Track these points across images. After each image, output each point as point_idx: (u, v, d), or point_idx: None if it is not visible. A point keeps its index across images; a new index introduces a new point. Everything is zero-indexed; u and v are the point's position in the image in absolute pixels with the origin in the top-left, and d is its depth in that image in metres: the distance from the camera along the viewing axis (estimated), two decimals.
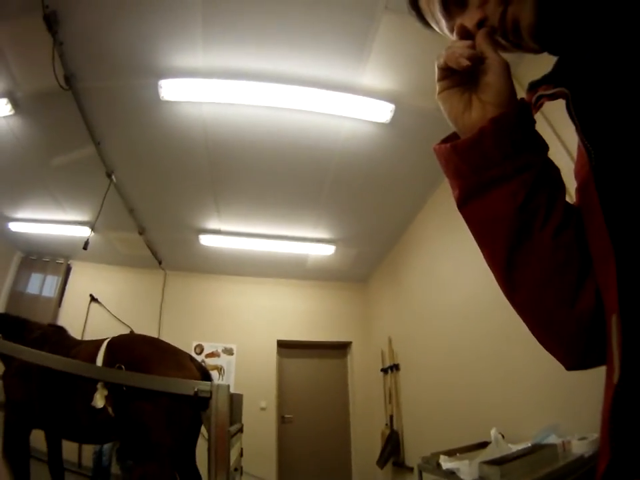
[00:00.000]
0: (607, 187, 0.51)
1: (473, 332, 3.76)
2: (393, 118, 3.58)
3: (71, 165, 4.38)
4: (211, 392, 2.84)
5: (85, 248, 4.62)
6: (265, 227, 5.49)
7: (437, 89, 0.62)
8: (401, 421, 5.46)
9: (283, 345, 6.80)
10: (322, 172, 4.42)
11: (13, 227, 5.90)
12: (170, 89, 3.38)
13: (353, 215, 5.22)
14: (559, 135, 2.54)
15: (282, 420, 6.65)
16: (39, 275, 6.76)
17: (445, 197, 4.26)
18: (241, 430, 3.71)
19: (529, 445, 2.52)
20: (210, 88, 3.37)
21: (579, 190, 0.62)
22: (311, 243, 5.81)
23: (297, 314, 6.86)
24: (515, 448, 2.57)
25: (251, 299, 6.82)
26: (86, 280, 6.67)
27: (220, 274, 6.82)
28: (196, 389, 2.86)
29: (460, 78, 0.59)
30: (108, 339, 3.37)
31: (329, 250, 5.96)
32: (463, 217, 0.63)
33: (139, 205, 5.03)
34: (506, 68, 0.56)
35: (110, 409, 3.03)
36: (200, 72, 3.26)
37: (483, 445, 2.86)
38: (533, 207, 0.56)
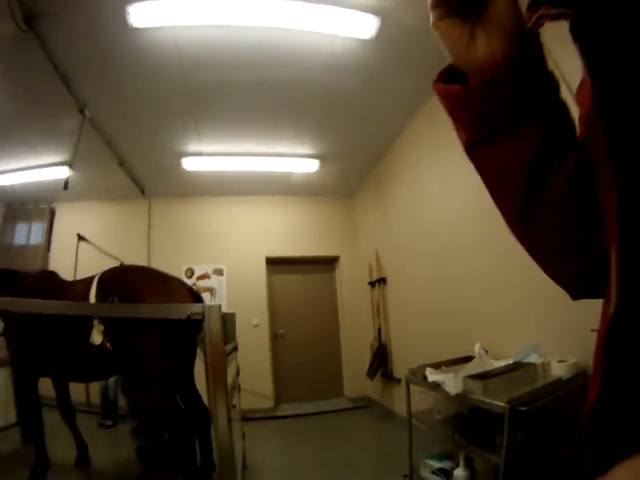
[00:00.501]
0: (609, 117, 0.48)
1: (460, 247, 3.79)
2: (378, 33, 3.38)
3: (41, 108, 4.22)
4: (203, 313, 2.89)
5: (65, 188, 4.53)
6: (247, 145, 5.34)
7: (432, 16, 0.53)
8: (388, 333, 5.61)
9: (272, 262, 6.85)
10: (305, 88, 4.25)
11: None
12: (138, 14, 3.12)
13: (337, 130, 5.07)
14: (557, 63, 2.45)
15: (275, 336, 6.84)
16: (23, 224, 6.71)
17: (431, 114, 4.16)
18: (235, 349, 3.82)
19: (511, 362, 2.61)
20: (181, 9, 3.10)
21: (583, 119, 0.58)
22: (294, 158, 5.69)
23: (283, 230, 6.86)
24: (497, 364, 2.67)
25: (237, 219, 6.80)
26: (71, 220, 6.61)
27: (204, 196, 6.74)
28: (189, 312, 2.89)
29: (459, 3, 0.51)
30: (98, 275, 3.37)
31: (313, 165, 5.83)
32: (472, 162, 0.60)
33: (116, 136, 4.87)
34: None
35: (108, 344, 3.08)
36: None
37: (468, 359, 2.94)
38: (548, 153, 0.53)
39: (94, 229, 6.44)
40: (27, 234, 6.67)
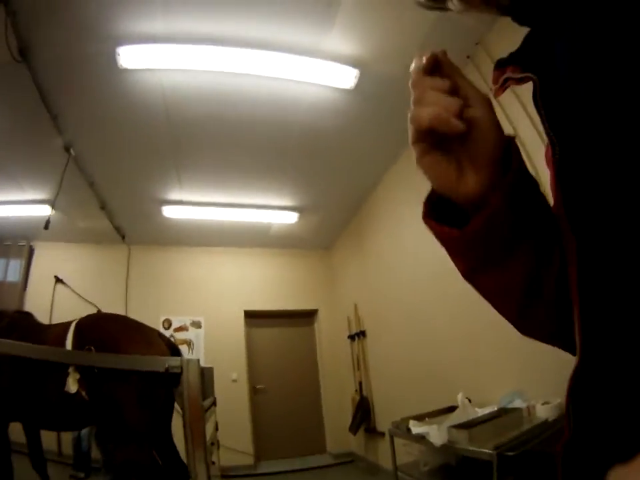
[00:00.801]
0: (568, 183, 0.49)
1: (439, 296, 3.80)
2: (358, 84, 3.54)
3: (28, 143, 4.23)
4: (181, 367, 2.84)
5: (46, 227, 4.49)
6: (228, 196, 5.40)
7: (415, 153, 0.52)
8: (370, 386, 5.56)
9: (250, 315, 6.80)
10: (285, 139, 4.36)
11: None
12: (128, 56, 3.24)
13: (317, 182, 5.16)
14: (530, 114, 2.54)
15: (254, 390, 6.71)
16: (1, 260, 6.59)
17: (408, 164, 4.25)
18: (214, 403, 3.73)
19: (495, 408, 2.62)
20: (169, 54, 3.25)
21: (551, 183, 0.57)
22: (274, 210, 5.75)
23: (262, 283, 6.83)
24: (481, 412, 2.67)
25: (216, 270, 6.77)
26: (50, 260, 6.50)
27: (184, 245, 6.73)
28: (167, 365, 2.85)
29: (442, 138, 0.49)
30: (75, 321, 3.31)
31: (292, 217, 5.89)
32: (470, 284, 0.61)
33: (99, 178, 4.89)
34: (493, 114, 0.50)
35: (84, 393, 3.00)
36: (159, 37, 3.13)
37: (451, 409, 2.94)
38: (542, 264, 0.55)
39: (72, 271, 6.32)
40: (4, 270, 6.51)
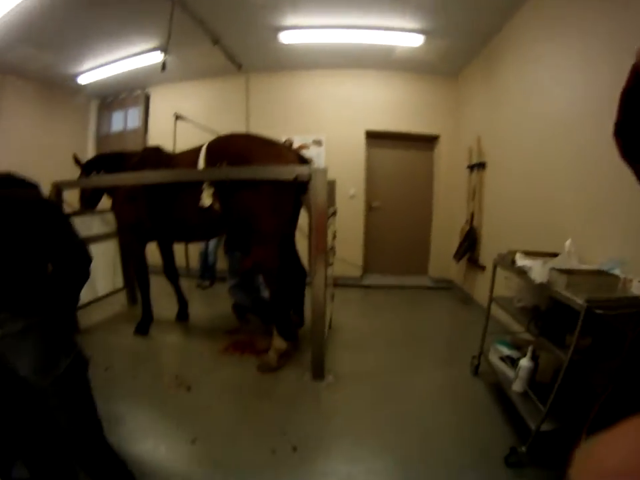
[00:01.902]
0: None
1: (564, 143, 3.60)
2: None
3: None
4: (310, 175, 3.08)
5: (163, 69, 4.69)
6: (347, 17, 5.01)
7: None
8: (480, 219, 5.57)
9: (372, 136, 6.77)
10: None
11: (83, 79, 6.23)
12: None
13: (445, 3, 4.59)
14: None
15: (369, 208, 7.01)
16: (119, 112, 7.11)
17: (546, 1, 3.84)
18: (334, 213, 4.01)
19: (596, 268, 2.58)
20: None
21: None
22: (398, 32, 5.29)
23: (385, 105, 6.65)
24: (582, 267, 2.66)
25: (337, 91, 6.64)
26: (167, 102, 6.81)
27: (302, 69, 6.57)
28: (296, 174, 3.11)
29: None
30: (206, 144, 3.51)
31: (417, 40, 5.43)
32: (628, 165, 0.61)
33: (209, 14, 4.80)
34: None
35: (217, 205, 3.33)
36: None
37: (554, 255, 2.92)
38: None
39: (191, 106, 6.54)
40: (124, 120, 7.08)
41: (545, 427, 2.34)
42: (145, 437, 1.48)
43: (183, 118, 5.23)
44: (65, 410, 1.59)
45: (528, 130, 4.28)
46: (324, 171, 3.10)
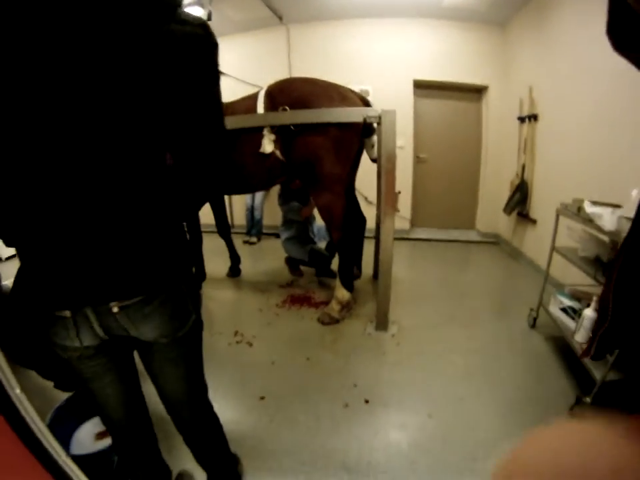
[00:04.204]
0: None
1: (622, 100, 3.42)
2: None
3: None
4: (379, 117, 2.98)
5: (208, 19, 4.46)
6: None
7: None
8: (532, 173, 5.41)
9: (419, 86, 6.57)
10: None
11: None
12: None
13: None
14: None
15: (417, 159, 6.86)
16: None
17: None
18: None
19: None
20: None
21: None
22: None
23: (432, 55, 6.41)
24: None
25: (382, 41, 6.40)
26: None
27: (346, 19, 6.32)
28: (365, 116, 2.99)
29: None
30: (264, 88, 3.36)
31: None
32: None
33: None
34: None
35: (278, 152, 3.21)
36: None
37: (617, 206, 2.74)
38: None
39: (232, 61, 6.39)
40: None
41: (611, 376, 2.32)
42: (212, 397, 1.45)
43: (223, 73, 5.11)
44: (181, 364, 1.36)
45: (584, 83, 4.08)
46: (393, 113, 2.99)
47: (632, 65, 0.66)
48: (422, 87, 6.61)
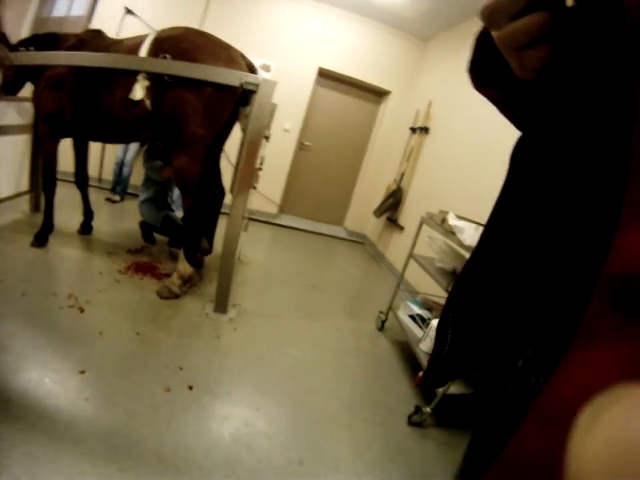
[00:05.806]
0: None
1: (503, 133, 3.57)
2: None
3: None
4: (257, 85, 2.80)
5: None
6: None
7: None
8: (409, 182, 5.58)
9: (323, 75, 6.50)
10: None
11: None
12: None
13: None
14: None
15: (300, 145, 6.76)
16: None
17: None
18: (267, 137, 3.74)
19: None
20: None
21: None
22: None
23: (346, 48, 6.33)
24: None
25: (299, 21, 6.21)
26: None
27: None
28: (243, 80, 2.81)
29: None
30: (153, 33, 3.12)
31: None
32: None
33: None
34: None
35: (148, 102, 2.97)
36: None
37: (480, 224, 2.90)
38: None
39: (144, 4, 5.76)
40: (69, 5, 6.16)
41: (453, 390, 2.37)
42: (31, 365, 1.22)
43: (133, 14, 4.71)
44: None
45: (476, 114, 4.30)
46: (273, 84, 2.82)
47: (490, 102, 0.68)
48: (326, 77, 6.56)
